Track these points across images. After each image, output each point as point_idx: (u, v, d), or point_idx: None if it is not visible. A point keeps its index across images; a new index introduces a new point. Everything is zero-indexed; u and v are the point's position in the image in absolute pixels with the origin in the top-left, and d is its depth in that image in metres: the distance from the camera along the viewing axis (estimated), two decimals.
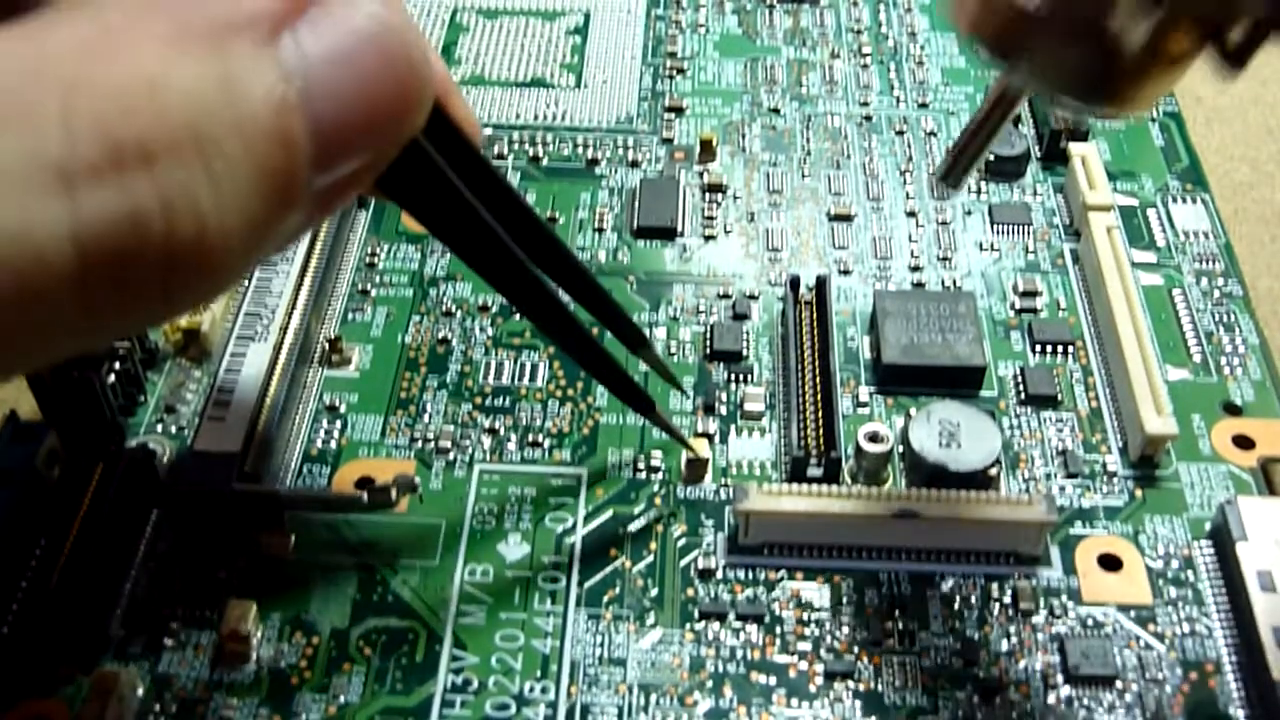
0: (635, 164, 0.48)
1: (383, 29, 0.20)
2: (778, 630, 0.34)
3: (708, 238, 0.45)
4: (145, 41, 0.17)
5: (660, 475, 0.37)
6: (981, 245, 0.45)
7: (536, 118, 0.50)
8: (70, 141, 0.16)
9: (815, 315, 0.40)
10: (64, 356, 0.18)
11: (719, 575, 0.35)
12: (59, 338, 0.18)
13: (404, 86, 0.20)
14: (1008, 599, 0.34)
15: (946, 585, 0.35)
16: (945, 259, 0.44)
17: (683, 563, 0.35)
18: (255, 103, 0.18)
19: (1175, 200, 0.47)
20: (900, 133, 0.49)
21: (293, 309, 0.39)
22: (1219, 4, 0.25)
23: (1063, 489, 0.37)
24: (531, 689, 0.32)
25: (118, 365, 0.38)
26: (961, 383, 0.40)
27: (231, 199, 0.18)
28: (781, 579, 0.35)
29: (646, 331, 0.42)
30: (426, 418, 0.39)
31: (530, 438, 0.38)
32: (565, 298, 0.32)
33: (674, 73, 0.53)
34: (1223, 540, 0.35)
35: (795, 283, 0.41)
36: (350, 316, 0.42)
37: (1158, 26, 0.25)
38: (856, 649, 0.33)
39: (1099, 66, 0.27)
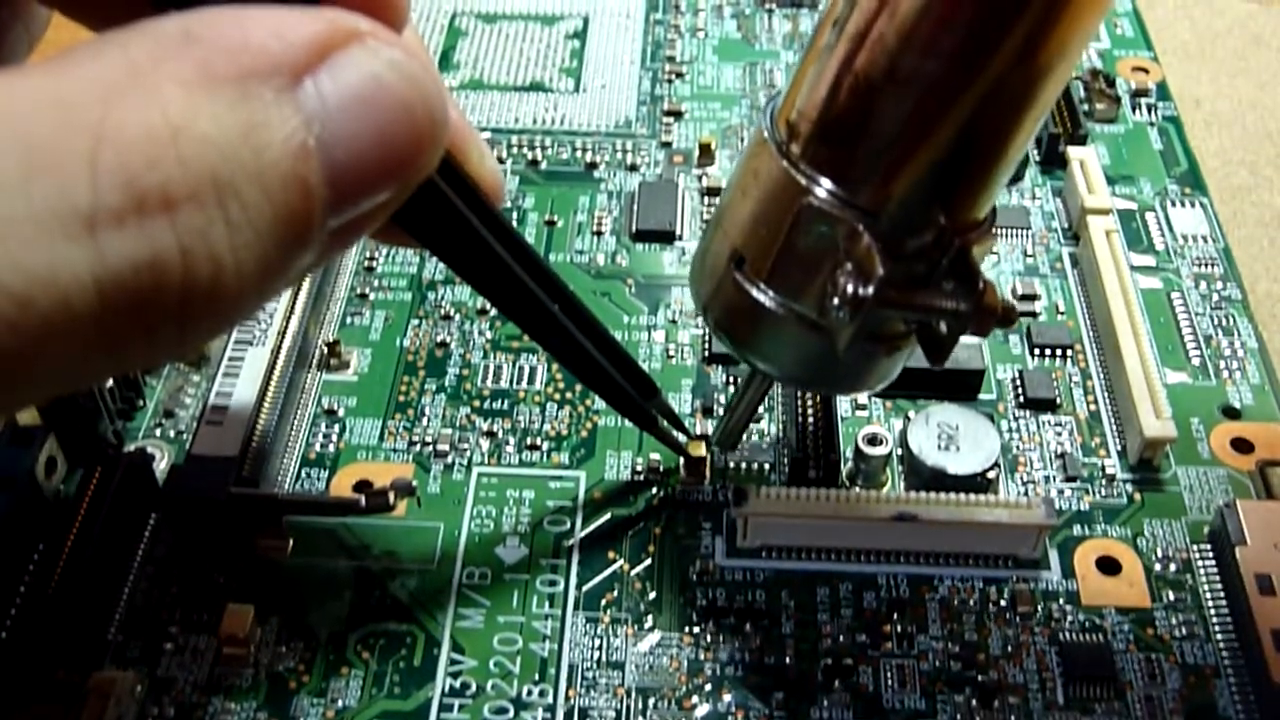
0: (634, 168, 0.48)
1: (401, 77, 0.20)
2: (776, 633, 0.34)
3: None
4: (170, 86, 0.18)
5: (659, 478, 0.37)
6: None
7: (535, 122, 0.50)
8: (96, 190, 0.17)
9: None
10: (82, 388, 0.19)
11: (717, 578, 0.35)
12: (78, 372, 0.18)
13: (418, 131, 0.21)
14: (1006, 602, 0.34)
15: (945, 588, 0.35)
16: None
17: (681, 566, 0.35)
18: (275, 150, 0.18)
19: (1174, 204, 0.47)
20: None
21: (291, 313, 0.39)
22: (914, 308, 0.27)
23: (1061, 492, 0.37)
24: (530, 692, 0.32)
25: None
26: (960, 386, 0.40)
27: (247, 243, 0.18)
28: (780, 582, 0.35)
29: (645, 335, 0.42)
30: (425, 421, 0.39)
31: (529, 441, 0.38)
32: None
33: (673, 77, 0.53)
34: (1221, 543, 0.35)
35: None
36: (349, 320, 0.42)
37: (865, 323, 0.27)
38: (855, 652, 0.33)
39: (823, 359, 0.30)
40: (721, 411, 0.39)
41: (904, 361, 0.32)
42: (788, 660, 0.33)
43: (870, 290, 0.26)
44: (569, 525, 0.36)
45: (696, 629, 0.34)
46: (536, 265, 0.30)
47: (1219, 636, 0.34)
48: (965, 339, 0.37)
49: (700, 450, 0.37)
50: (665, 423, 0.36)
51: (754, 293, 0.29)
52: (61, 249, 0.16)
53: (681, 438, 0.37)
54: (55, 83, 0.17)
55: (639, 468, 0.38)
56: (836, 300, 0.27)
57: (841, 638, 0.34)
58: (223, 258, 0.18)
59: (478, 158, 0.28)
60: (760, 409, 0.37)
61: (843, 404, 0.39)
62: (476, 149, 0.28)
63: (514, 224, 0.45)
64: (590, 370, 0.33)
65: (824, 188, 0.27)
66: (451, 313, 0.42)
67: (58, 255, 0.16)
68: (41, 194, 0.16)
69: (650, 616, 0.34)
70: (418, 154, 0.21)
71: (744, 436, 0.37)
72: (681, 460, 0.37)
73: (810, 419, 0.37)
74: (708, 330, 0.41)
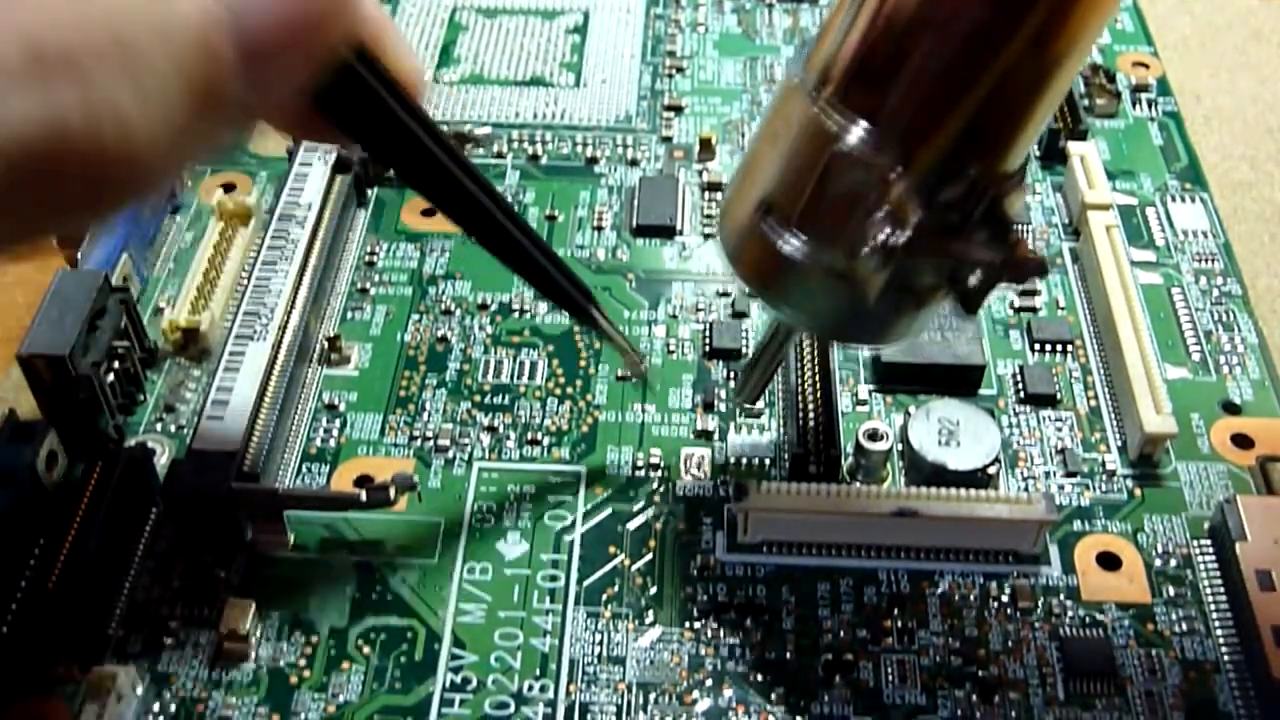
0: (634, 162, 0.48)
1: None
2: (777, 628, 0.34)
3: (707, 236, 0.45)
4: None
5: (660, 473, 0.37)
6: None
7: (536, 116, 0.50)
8: None
9: None
10: None
11: (718, 573, 0.35)
12: None
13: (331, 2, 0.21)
14: (1007, 597, 0.34)
15: (945, 583, 0.35)
16: None
17: (682, 561, 0.35)
18: (182, 12, 0.18)
19: (1174, 199, 0.47)
20: None
21: (292, 308, 0.39)
22: (947, 257, 0.27)
23: (1062, 488, 0.37)
24: (530, 687, 0.32)
25: (117, 364, 0.38)
26: (961, 381, 0.40)
27: (157, 107, 0.18)
28: (781, 577, 0.35)
29: (645, 330, 0.42)
30: (426, 416, 0.39)
31: (529, 436, 0.38)
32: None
33: (673, 71, 0.53)
34: (1222, 539, 0.35)
35: None
36: (349, 315, 0.42)
37: (897, 271, 0.27)
38: (855, 647, 0.33)
39: (853, 310, 0.29)
40: (737, 378, 0.39)
41: (931, 315, 0.31)
42: (788, 655, 0.33)
43: (903, 238, 0.26)
44: (570, 520, 0.36)
45: (697, 624, 0.34)
46: (464, 162, 0.31)
47: (1219, 632, 0.34)
48: (966, 338, 0.37)
49: (644, 366, 0.39)
50: (604, 322, 0.36)
51: (782, 242, 0.29)
52: None
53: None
54: None
55: (640, 463, 0.38)
56: (868, 248, 0.26)
57: (842, 633, 0.34)
58: (130, 120, 0.18)
59: (396, 50, 0.27)
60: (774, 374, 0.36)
61: (843, 399, 0.39)
62: (394, 42, 0.28)
63: None
64: (527, 266, 0.34)
65: (857, 134, 0.27)
66: (452, 307, 0.42)
67: None
68: None
69: (651, 612, 0.34)
70: (324, 19, 0.21)
71: (765, 391, 0.37)
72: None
73: (811, 414, 0.37)
74: (709, 324, 0.41)
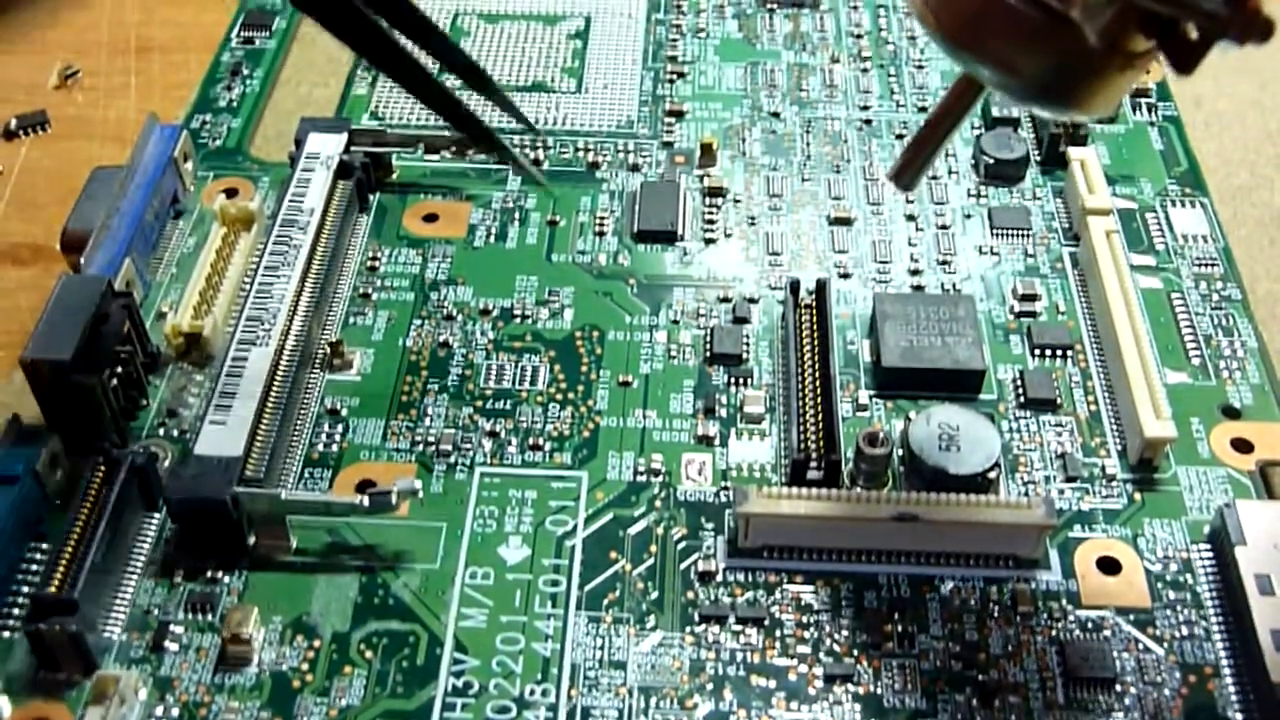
0: (636, 168, 0.48)
1: None
2: (777, 633, 0.34)
3: (708, 241, 0.45)
4: None
5: (660, 479, 0.38)
6: (981, 249, 0.45)
7: (538, 122, 0.50)
8: None
9: (815, 318, 0.40)
10: None
11: (719, 578, 0.35)
12: None
13: None
14: (1007, 602, 0.35)
15: (946, 588, 0.35)
16: (945, 262, 0.44)
17: (683, 566, 0.35)
18: None
19: (1174, 204, 0.47)
20: (900, 137, 0.50)
21: (294, 313, 0.39)
22: (1174, 3, 0.25)
23: (1062, 492, 0.37)
24: (532, 692, 0.33)
25: (120, 369, 0.38)
26: (961, 386, 0.40)
27: None
28: (781, 582, 0.35)
29: (647, 335, 0.42)
30: (427, 421, 0.39)
31: (531, 441, 0.39)
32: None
33: (674, 77, 0.53)
34: (1221, 544, 0.35)
35: (795, 286, 0.41)
36: (351, 320, 0.42)
37: (1114, 19, 0.25)
38: (856, 652, 0.33)
39: (1060, 63, 0.27)
40: (896, 157, 0.34)
41: (1132, 84, 0.29)
42: (789, 660, 0.33)
43: None
44: (571, 525, 0.36)
45: (698, 629, 0.34)
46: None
47: (1218, 636, 0.34)
48: (966, 342, 0.37)
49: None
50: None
51: None
52: None
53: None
54: None
55: (641, 468, 0.38)
56: None
57: (843, 637, 0.34)
58: None
59: None
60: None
61: (844, 404, 0.39)
62: None
63: (516, 224, 0.46)
64: (426, 90, 0.35)
65: None
66: (454, 313, 0.42)
67: None
68: None
69: (652, 616, 0.34)
70: None
71: (929, 169, 0.33)
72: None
73: (811, 419, 0.37)
74: (710, 330, 0.42)
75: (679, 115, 0.51)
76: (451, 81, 0.36)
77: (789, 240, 0.45)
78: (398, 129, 0.49)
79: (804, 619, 0.34)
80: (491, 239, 0.45)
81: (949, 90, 0.31)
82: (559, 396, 0.40)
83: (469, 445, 0.38)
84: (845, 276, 0.44)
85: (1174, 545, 0.36)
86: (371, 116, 0.51)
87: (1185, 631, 0.34)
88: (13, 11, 0.58)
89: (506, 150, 0.38)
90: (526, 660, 0.33)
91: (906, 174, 0.32)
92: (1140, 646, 0.34)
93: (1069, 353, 0.41)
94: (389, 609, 0.34)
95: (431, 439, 0.39)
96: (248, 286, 0.40)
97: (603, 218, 0.46)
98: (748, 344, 0.41)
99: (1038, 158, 0.48)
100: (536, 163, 0.48)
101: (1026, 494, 0.37)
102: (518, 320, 0.42)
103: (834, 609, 0.34)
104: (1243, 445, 0.38)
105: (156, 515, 0.36)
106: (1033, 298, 0.43)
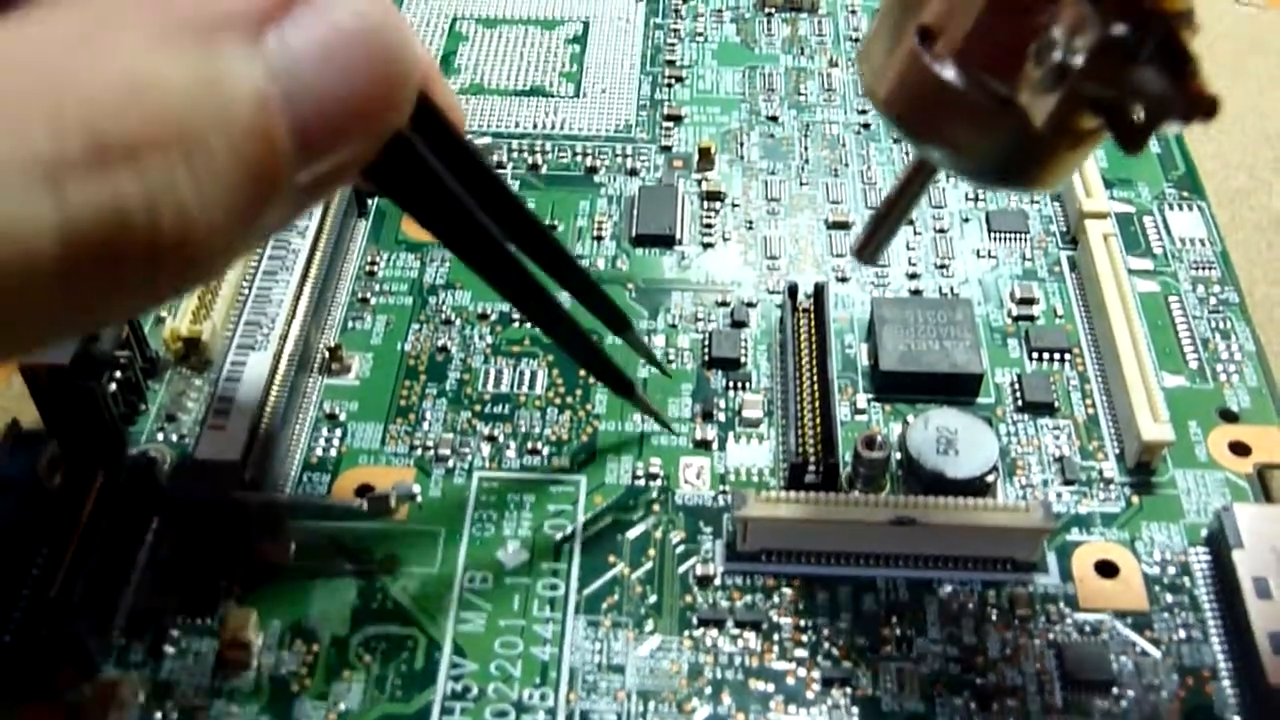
0: (634, 172, 0.48)
1: (366, 26, 0.20)
2: (776, 637, 0.34)
3: (706, 245, 0.45)
4: (132, 37, 0.18)
5: (659, 483, 0.38)
6: (979, 253, 0.45)
7: (535, 126, 0.50)
8: (58, 140, 0.17)
9: (813, 322, 0.40)
10: (50, 343, 0.19)
11: (717, 582, 0.35)
12: (43, 326, 0.18)
13: (386, 84, 0.21)
14: (1005, 605, 0.35)
15: (944, 592, 0.35)
16: (943, 266, 0.44)
17: (681, 569, 0.35)
18: (239, 100, 0.18)
19: (1172, 207, 0.47)
20: (898, 140, 0.50)
21: (293, 317, 0.40)
22: (1119, 85, 0.26)
23: (1059, 496, 0.37)
24: (531, 696, 0.33)
25: (119, 374, 0.38)
26: (959, 390, 0.40)
27: (214, 194, 0.18)
28: (779, 585, 0.35)
29: (646, 339, 0.42)
30: (426, 425, 0.39)
31: (529, 445, 0.39)
32: (551, 284, 0.33)
33: (672, 81, 0.53)
34: (1219, 547, 0.35)
35: (793, 290, 0.41)
36: (350, 325, 0.42)
37: (1061, 103, 0.26)
38: (854, 655, 0.33)
39: (1008, 146, 0.28)
40: (859, 234, 0.34)
41: (1084, 160, 0.29)
42: (787, 664, 0.33)
43: (1080, 59, 0.25)
44: (570, 529, 0.36)
45: (696, 633, 0.34)
46: (513, 210, 0.30)
47: (1216, 639, 0.34)
48: (964, 346, 0.38)
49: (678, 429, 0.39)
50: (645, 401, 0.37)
51: (942, 70, 0.28)
52: (23, 198, 0.16)
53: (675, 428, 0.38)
54: (17, 36, 0.17)
55: (639, 472, 0.38)
56: (1040, 71, 0.25)
57: (841, 641, 0.34)
58: (189, 209, 0.18)
59: (441, 90, 0.28)
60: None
61: (842, 408, 0.39)
62: (439, 82, 0.28)
63: None
64: (570, 339, 0.34)
65: None
66: (452, 317, 0.43)
67: (19, 204, 0.16)
68: (4, 144, 0.16)
69: (651, 620, 0.34)
70: (385, 105, 0.21)
71: (888, 245, 0.34)
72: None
73: (809, 423, 0.37)
74: (708, 334, 0.42)
75: (677, 119, 0.51)
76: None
77: (787, 244, 0.45)
78: None
79: (802, 622, 0.34)
80: None
81: (904, 171, 0.32)
82: (557, 401, 0.40)
83: (467, 449, 0.39)
84: (843, 280, 0.44)
85: (1172, 548, 0.36)
86: None
87: (1183, 634, 0.34)
88: None
89: (645, 406, 0.38)
90: (525, 664, 0.33)
91: (868, 249, 0.33)
92: (1138, 649, 0.34)
93: (1067, 356, 0.41)
94: (388, 613, 0.34)
95: (430, 443, 0.39)
96: (246, 291, 0.40)
97: (601, 222, 0.46)
98: (746, 348, 0.42)
99: None
100: (534, 168, 0.48)
101: (1024, 497, 0.37)
102: (516, 324, 0.42)
103: (832, 613, 0.34)
104: (1240, 448, 0.38)
105: (155, 519, 0.36)
106: (1030, 301, 0.43)
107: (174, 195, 0.18)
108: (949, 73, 0.27)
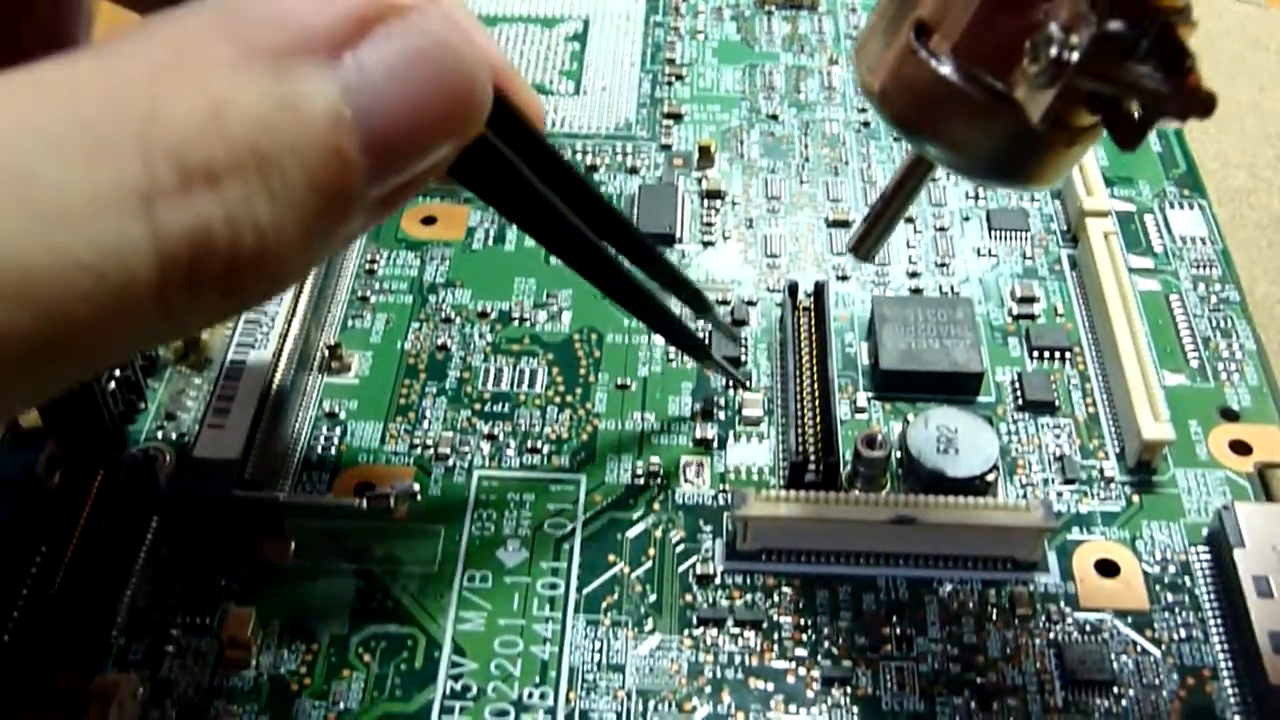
0: (634, 170, 0.48)
1: (438, 46, 0.21)
2: (776, 636, 0.34)
3: (706, 244, 0.45)
4: (213, 63, 0.19)
5: (659, 481, 0.38)
6: (979, 251, 0.45)
7: None
8: (149, 168, 0.18)
9: (813, 321, 0.40)
10: (143, 350, 0.20)
11: (717, 581, 0.35)
12: (142, 335, 0.19)
13: (456, 100, 0.21)
14: (1005, 604, 0.35)
15: (944, 591, 0.35)
16: (943, 265, 0.44)
17: (681, 568, 0.35)
18: (313, 122, 0.19)
19: (1173, 206, 0.47)
20: (898, 139, 0.50)
21: (292, 316, 0.39)
22: (1115, 81, 0.26)
23: (1060, 495, 0.37)
24: (530, 695, 0.33)
25: (118, 372, 0.38)
26: (959, 388, 0.40)
27: (289, 212, 0.19)
28: (779, 584, 0.35)
29: (645, 338, 0.42)
30: (426, 424, 0.39)
31: (529, 444, 0.39)
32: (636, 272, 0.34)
33: (673, 79, 0.53)
34: (1220, 546, 0.35)
35: (794, 289, 0.41)
36: (350, 323, 0.42)
37: (1057, 99, 0.26)
38: (854, 655, 0.33)
39: (1006, 142, 0.28)
40: (854, 230, 0.35)
41: (1080, 158, 0.30)
42: (787, 663, 0.33)
43: (1076, 55, 0.25)
44: (569, 528, 0.36)
45: (696, 632, 0.34)
46: (590, 199, 0.31)
47: (1217, 639, 0.34)
48: (964, 345, 0.38)
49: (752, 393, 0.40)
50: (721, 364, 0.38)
51: (938, 65, 0.27)
52: (125, 224, 0.18)
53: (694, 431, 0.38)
54: (106, 67, 0.18)
55: (639, 471, 0.38)
56: (1036, 66, 0.25)
57: (841, 640, 0.34)
58: (265, 227, 0.19)
59: (522, 90, 0.28)
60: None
61: (842, 407, 0.39)
62: (519, 82, 0.29)
63: (515, 227, 0.46)
64: (643, 307, 0.35)
65: None
66: (452, 315, 0.42)
67: (122, 229, 0.18)
68: (103, 175, 0.17)
69: (650, 619, 0.34)
70: (457, 123, 0.22)
71: (886, 241, 0.34)
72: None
73: (809, 422, 0.37)
74: (708, 332, 0.42)
75: (677, 117, 0.51)
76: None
77: (787, 242, 0.45)
78: None
79: (802, 621, 0.34)
80: (490, 241, 0.45)
81: (900, 167, 0.32)
82: (557, 399, 0.40)
83: (467, 448, 0.38)
84: (843, 279, 0.44)
85: (1172, 547, 0.36)
86: None
87: (1184, 634, 0.34)
88: None
89: (720, 367, 0.39)
90: (525, 663, 0.33)
91: (864, 245, 0.33)
92: (1138, 649, 0.34)
93: (1067, 355, 0.41)
94: (387, 612, 0.34)
95: (430, 442, 0.39)
96: None
97: None
98: (746, 346, 0.41)
99: None
100: None
101: (1025, 496, 0.37)
102: (516, 323, 0.42)
103: (832, 612, 0.34)
104: (1241, 447, 0.38)
105: (155, 518, 0.36)
106: (1031, 300, 0.43)
107: (251, 214, 0.19)
108: (945, 68, 0.27)
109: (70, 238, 0.17)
